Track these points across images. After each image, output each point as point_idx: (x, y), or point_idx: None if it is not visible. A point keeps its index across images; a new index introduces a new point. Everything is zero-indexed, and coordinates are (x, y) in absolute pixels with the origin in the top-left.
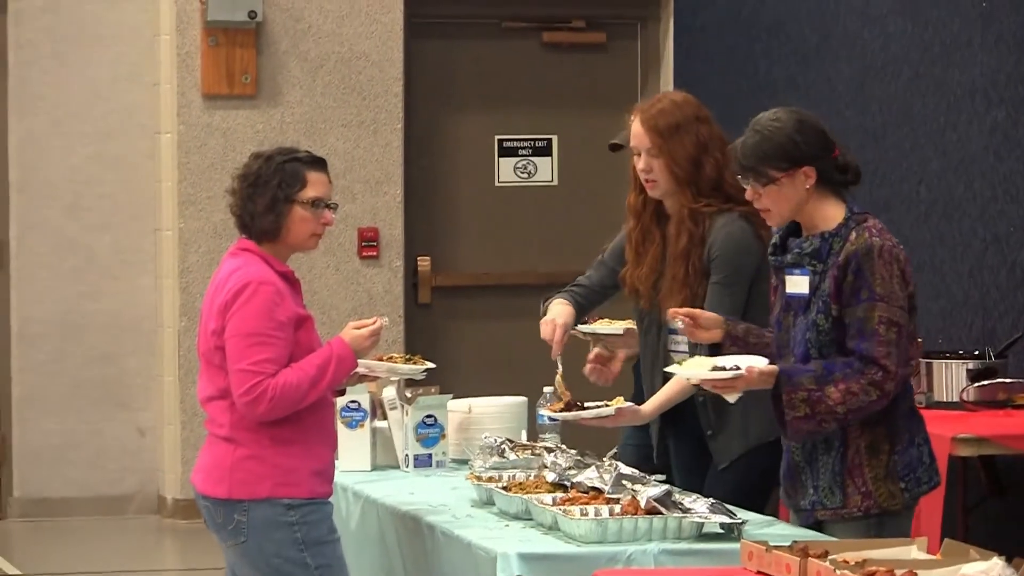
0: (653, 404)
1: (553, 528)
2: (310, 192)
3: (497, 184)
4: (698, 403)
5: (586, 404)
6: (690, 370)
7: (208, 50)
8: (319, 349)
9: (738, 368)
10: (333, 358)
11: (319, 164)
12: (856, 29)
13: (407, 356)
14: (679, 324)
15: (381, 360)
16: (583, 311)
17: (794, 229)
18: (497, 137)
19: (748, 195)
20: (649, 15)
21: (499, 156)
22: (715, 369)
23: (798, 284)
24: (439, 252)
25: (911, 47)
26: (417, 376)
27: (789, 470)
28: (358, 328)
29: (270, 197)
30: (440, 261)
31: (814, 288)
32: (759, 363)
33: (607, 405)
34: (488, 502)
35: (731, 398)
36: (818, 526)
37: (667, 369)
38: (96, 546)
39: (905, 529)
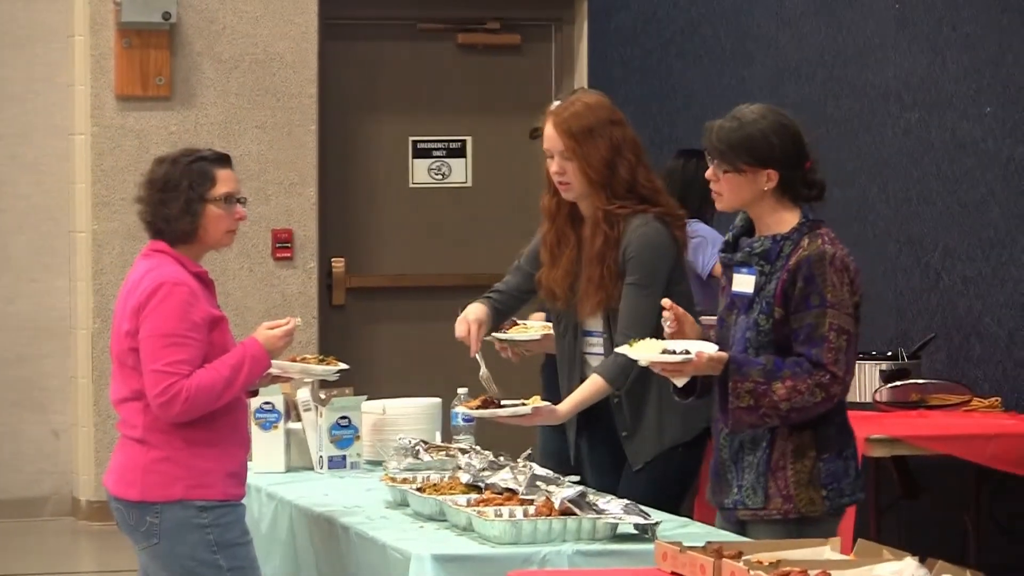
0: (569, 404)
1: (467, 529)
2: (221, 189)
3: (411, 185)
4: (613, 404)
5: (503, 402)
6: (640, 352)
7: (122, 51)
8: (233, 349)
9: (688, 353)
10: (247, 358)
11: (224, 161)
12: (771, 31)
13: (320, 357)
14: (667, 321)
15: (295, 361)
16: (501, 316)
17: (747, 229)
18: (411, 138)
19: (708, 174)
20: (563, 17)
21: (413, 157)
22: (665, 352)
23: (744, 283)
24: (353, 254)
25: (825, 49)
26: (331, 377)
27: (717, 467)
28: (271, 328)
29: (183, 199)
30: (354, 263)
31: (759, 288)
32: (709, 349)
33: (524, 404)
34: (402, 503)
35: (679, 382)
36: (740, 527)
37: (617, 349)
38: (10, 549)
39: (829, 533)
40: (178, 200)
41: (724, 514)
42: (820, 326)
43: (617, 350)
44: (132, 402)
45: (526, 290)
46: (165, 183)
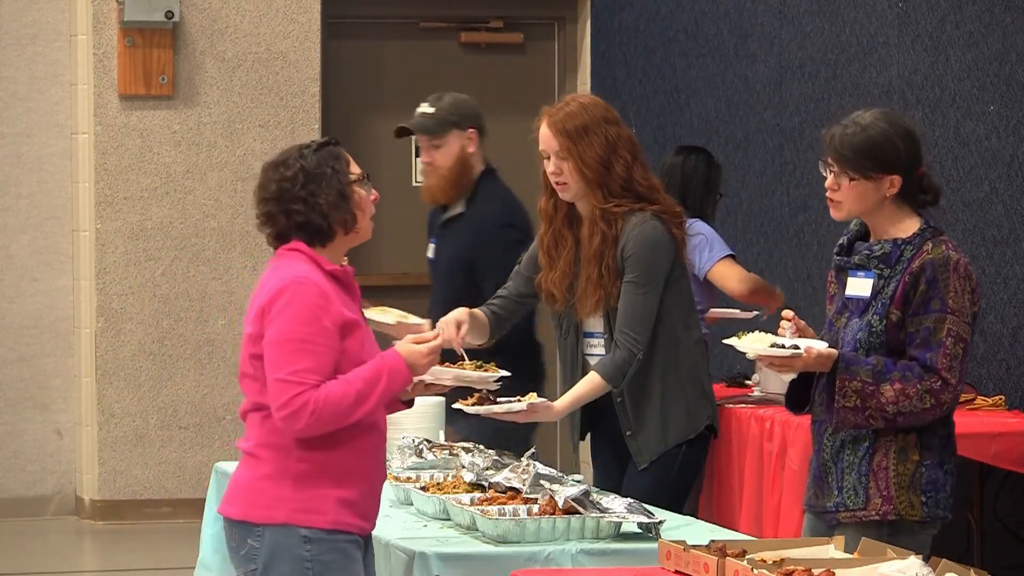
0: (566, 401)
1: (471, 528)
2: (355, 169)
3: (415, 184)
4: (616, 403)
5: (498, 399)
6: (748, 345)
7: (125, 50)
8: (370, 361)
9: (797, 348)
10: (384, 373)
11: (338, 143)
12: (774, 29)
13: (478, 363)
14: (788, 328)
15: (448, 367)
16: (502, 321)
17: (863, 234)
18: (414, 137)
19: (827, 183)
20: (567, 15)
21: (416, 156)
22: (774, 346)
23: (860, 286)
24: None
25: (828, 47)
26: (490, 386)
27: (817, 470)
28: (417, 343)
29: (336, 188)
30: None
31: (876, 291)
32: (819, 345)
33: (519, 400)
34: (406, 502)
35: (786, 377)
36: (833, 533)
37: (726, 341)
38: (13, 548)
39: (922, 544)
40: (329, 190)
41: (823, 518)
42: (938, 331)
43: (725, 341)
44: (251, 413)
45: (526, 294)
46: (306, 177)
